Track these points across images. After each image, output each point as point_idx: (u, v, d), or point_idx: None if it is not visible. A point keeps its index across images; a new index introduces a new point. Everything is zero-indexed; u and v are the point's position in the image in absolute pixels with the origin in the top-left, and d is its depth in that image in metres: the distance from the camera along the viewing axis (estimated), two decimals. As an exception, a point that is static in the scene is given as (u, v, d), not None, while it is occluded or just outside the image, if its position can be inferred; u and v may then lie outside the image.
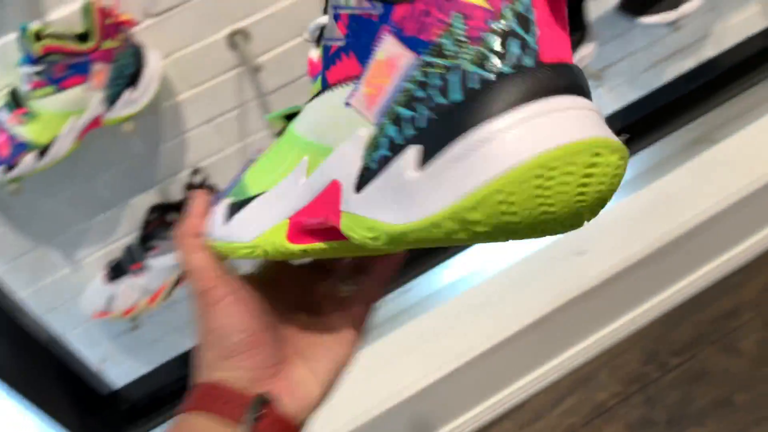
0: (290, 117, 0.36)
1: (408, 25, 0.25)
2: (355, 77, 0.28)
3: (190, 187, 1.00)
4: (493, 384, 1.31)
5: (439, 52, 0.24)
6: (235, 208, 0.36)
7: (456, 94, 0.24)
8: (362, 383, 1.23)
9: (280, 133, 0.37)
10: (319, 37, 0.32)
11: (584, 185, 0.23)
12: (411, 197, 0.25)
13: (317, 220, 0.32)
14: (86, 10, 0.80)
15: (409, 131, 0.25)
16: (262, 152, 0.38)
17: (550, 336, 1.29)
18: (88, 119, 0.82)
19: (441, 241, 0.25)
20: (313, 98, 0.32)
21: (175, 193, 1.03)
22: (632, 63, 1.33)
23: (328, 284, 0.42)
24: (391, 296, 1.27)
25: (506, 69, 0.24)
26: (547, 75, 0.24)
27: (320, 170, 0.31)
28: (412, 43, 0.25)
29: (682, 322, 1.38)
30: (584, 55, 1.13)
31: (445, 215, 0.23)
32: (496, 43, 0.24)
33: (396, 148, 0.26)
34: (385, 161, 0.26)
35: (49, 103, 0.79)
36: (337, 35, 0.29)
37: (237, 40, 0.92)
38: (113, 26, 0.81)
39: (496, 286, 1.29)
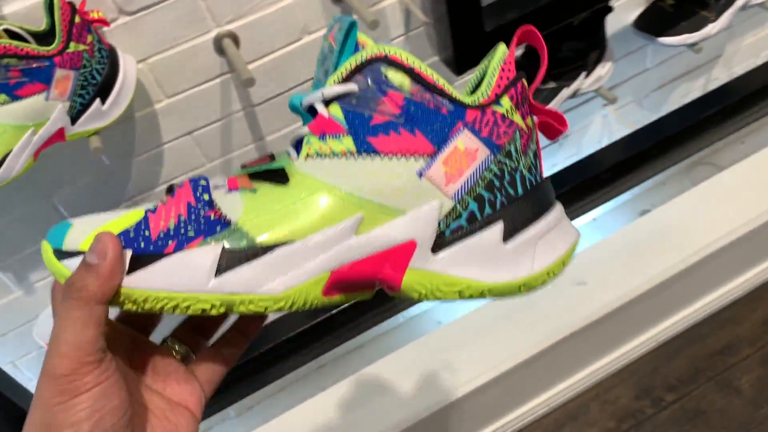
0: (261, 173, 0.36)
1: (483, 129, 0.34)
2: (428, 154, 0.34)
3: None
4: (475, 421, 1.23)
5: (509, 155, 0.35)
6: (238, 257, 0.33)
7: (520, 189, 0.36)
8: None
9: (268, 176, 0.35)
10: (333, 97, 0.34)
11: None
12: (501, 261, 0.35)
13: (365, 275, 0.35)
14: (49, 5, 0.67)
15: (488, 210, 0.35)
16: (226, 190, 0.35)
17: (539, 370, 1.22)
18: (47, 133, 0.70)
19: (507, 295, 0.35)
20: (338, 155, 0.34)
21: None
22: (642, 82, 1.25)
23: (161, 348, 0.38)
24: (379, 326, 1.17)
25: (539, 178, 0.37)
26: (551, 186, 0.38)
27: (387, 229, 0.34)
28: (487, 142, 0.35)
29: (677, 356, 1.32)
30: (601, 75, 1.05)
31: (536, 276, 0.35)
32: (533, 158, 0.36)
33: (475, 221, 0.35)
34: (462, 230, 0.35)
35: (1, 115, 0.66)
36: (386, 109, 0.33)
37: (225, 44, 0.80)
38: (82, 25, 0.69)
39: (491, 314, 1.21)
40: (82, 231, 0.33)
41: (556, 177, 1.12)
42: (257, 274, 0.33)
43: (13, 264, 0.88)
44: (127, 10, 0.75)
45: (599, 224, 1.45)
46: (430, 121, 0.34)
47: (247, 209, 0.34)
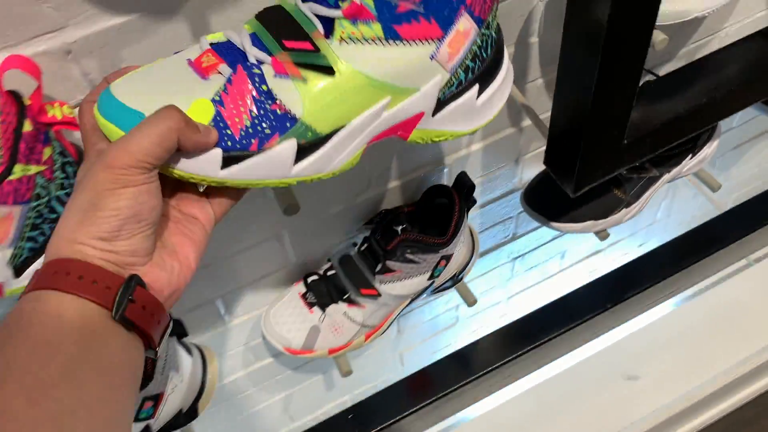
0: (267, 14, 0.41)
1: (476, 8, 0.41)
2: (437, 38, 0.41)
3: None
4: None
5: (488, 26, 0.43)
6: (308, 147, 0.40)
7: (489, 51, 0.44)
8: None
9: (315, 66, 0.39)
10: None
11: None
12: (474, 114, 0.46)
13: (384, 137, 0.44)
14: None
15: (470, 76, 0.44)
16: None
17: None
18: (-25, 295, 0.44)
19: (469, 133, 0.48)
20: (368, 40, 0.39)
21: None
22: (723, 141, 1.05)
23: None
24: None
25: (497, 32, 0.45)
26: (500, 30, 0.46)
27: (405, 105, 0.43)
28: (477, 20, 0.42)
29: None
30: (706, 155, 0.84)
31: (491, 119, 0.48)
32: (496, 15, 0.44)
33: (461, 87, 0.44)
34: (452, 95, 0.44)
35: None
36: (408, 3, 0.39)
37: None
38: (35, 136, 0.42)
39: (528, 409, 1.01)
40: None
41: (633, 267, 0.92)
42: (324, 158, 0.41)
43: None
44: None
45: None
46: (442, 8, 0.40)
47: (306, 103, 0.39)
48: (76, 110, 0.47)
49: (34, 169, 0.42)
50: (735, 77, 0.60)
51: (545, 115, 0.77)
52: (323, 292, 0.73)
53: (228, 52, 0.39)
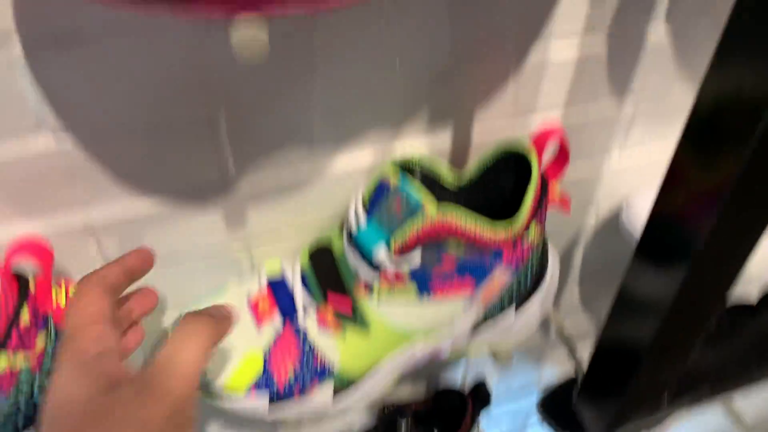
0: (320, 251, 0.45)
1: (513, 260, 0.43)
2: (471, 292, 0.43)
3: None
4: None
5: (526, 267, 0.44)
6: (343, 389, 0.45)
7: (529, 282, 0.46)
8: None
9: (353, 321, 0.43)
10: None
11: None
12: (511, 331, 0.48)
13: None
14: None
15: (505, 305, 0.46)
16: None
17: None
18: None
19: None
20: (402, 298, 0.42)
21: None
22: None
23: None
24: None
25: (539, 261, 0.46)
26: (547, 244, 0.48)
27: (437, 345, 0.46)
28: (513, 270, 0.43)
29: None
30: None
31: (532, 333, 0.50)
32: (541, 248, 0.46)
33: (495, 314, 0.46)
34: (485, 322, 0.46)
35: None
36: (443, 268, 0.41)
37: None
38: (34, 321, 0.38)
39: None
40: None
41: None
42: (359, 395, 0.45)
43: None
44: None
45: None
46: (476, 269, 0.42)
47: (343, 356, 0.43)
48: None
49: (21, 360, 0.38)
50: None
51: (575, 331, 0.72)
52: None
53: (281, 294, 0.44)
